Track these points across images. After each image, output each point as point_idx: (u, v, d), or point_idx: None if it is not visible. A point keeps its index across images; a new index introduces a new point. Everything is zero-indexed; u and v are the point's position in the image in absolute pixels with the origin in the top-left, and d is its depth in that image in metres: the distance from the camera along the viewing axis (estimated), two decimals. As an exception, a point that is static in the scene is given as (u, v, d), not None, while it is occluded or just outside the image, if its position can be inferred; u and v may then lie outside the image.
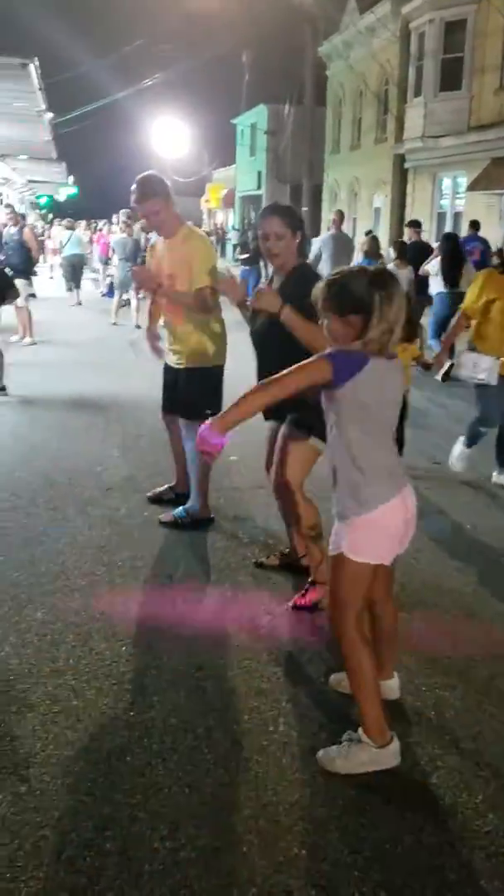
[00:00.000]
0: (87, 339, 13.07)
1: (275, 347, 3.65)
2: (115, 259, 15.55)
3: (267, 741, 2.95)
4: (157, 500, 5.33)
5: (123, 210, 15.38)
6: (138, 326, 13.52)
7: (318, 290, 2.67)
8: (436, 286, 10.65)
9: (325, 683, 3.31)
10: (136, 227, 15.00)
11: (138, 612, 3.92)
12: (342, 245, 12.06)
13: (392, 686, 3.18)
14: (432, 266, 10.75)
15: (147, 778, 2.73)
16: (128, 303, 15.05)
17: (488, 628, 3.85)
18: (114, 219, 16.10)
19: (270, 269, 4.16)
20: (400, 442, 4.69)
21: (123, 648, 3.55)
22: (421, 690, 3.26)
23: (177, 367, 4.94)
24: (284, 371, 2.63)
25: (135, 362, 10.66)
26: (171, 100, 37.19)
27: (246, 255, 15.40)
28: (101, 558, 4.47)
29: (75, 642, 3.59)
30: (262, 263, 13.75)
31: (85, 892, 2.28)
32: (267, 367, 3.65)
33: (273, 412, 3.92)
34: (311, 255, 12.04)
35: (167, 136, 38.43)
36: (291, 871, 2.37)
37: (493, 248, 10.75)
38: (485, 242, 13.42)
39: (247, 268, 15.21)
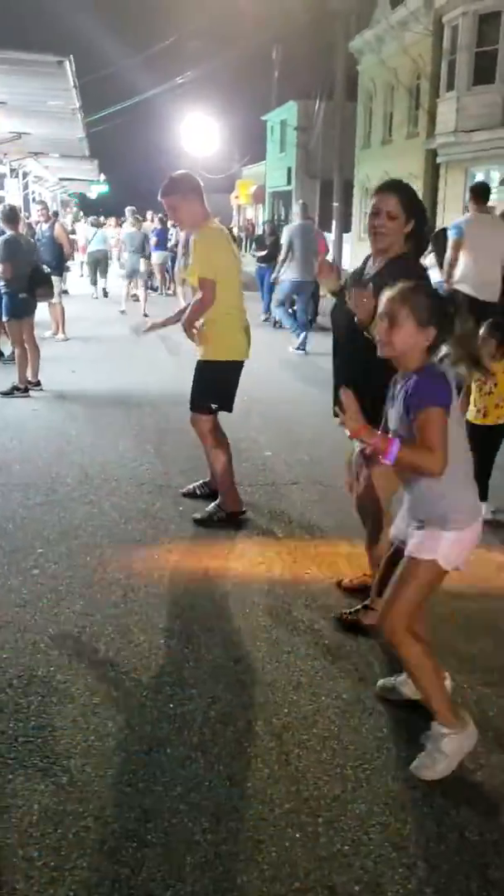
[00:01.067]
0: (117, 334, 13.12)
1: (357, 352, 3.43)
2: (126, 252, 16.67)
3: (307, 736, 2.93)
4: (191, 494, 5.34)
5: (129, 207, 16.93)
6: (146, 315, 14.19)
7: (397, 292, 2.65)
8: (434, 278, 10.69)
9: (364, 678, 3.29)
10: (147, 223, 16.31)
11: (175, 605, 3.92)
12: (307, 234, 12.20)
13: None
14: (429, 260, 10.79)
15: (188, 770, 2.73)
16: (136, 297, 16.14)
17: (529, 625, 3.80)
18: (127, 214, 16.94)
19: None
20: None
21: (161, 641, 3.56)
22: (462, 688, 3.22)
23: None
24: (428, 441, 2.53)
25: (164, 356, 10.71)
26: (202, 97, 37.19)
27: (263, 253, 15.34)
28: (137, 552, 4.48)
29: (114, 634, 3.59)
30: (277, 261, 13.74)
31: (128, 883, 2.28)
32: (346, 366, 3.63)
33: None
34: (284, 245, 12.30)
35: (197, 134, 38.50)
36: (334, 866, 2.36)
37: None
38: None
39: (263, 265, 15.17)
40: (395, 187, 3.58)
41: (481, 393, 4.83)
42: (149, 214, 22.13)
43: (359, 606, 3.73)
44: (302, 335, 11.67)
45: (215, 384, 4.94)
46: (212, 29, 31.32)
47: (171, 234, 18.00)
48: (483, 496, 4.69)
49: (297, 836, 2.47)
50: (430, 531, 2.71)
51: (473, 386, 4.83)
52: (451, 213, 20.70)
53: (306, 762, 2.79)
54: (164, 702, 3.11)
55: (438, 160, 22.10)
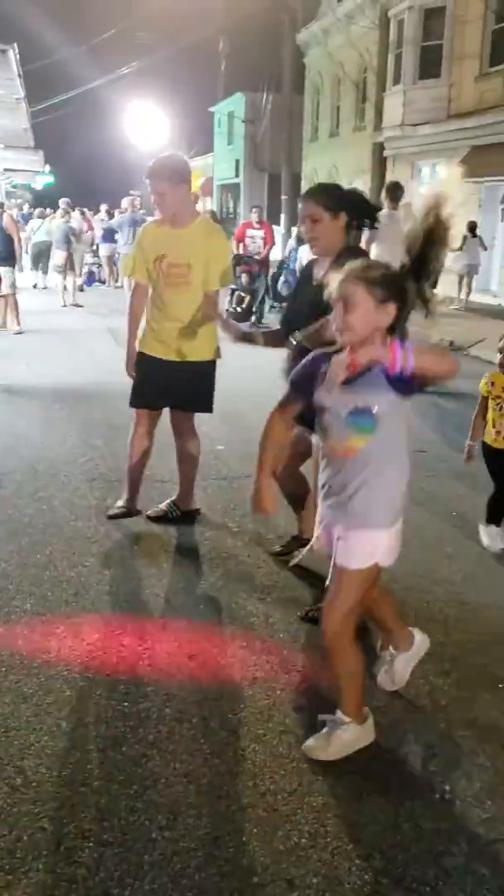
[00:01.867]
0: (69, 328, 12.98)
1: None
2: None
3: (263, 730, 2.94)
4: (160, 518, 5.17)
5: (63, 199, 17.86)
6: (78, 305, 15.69)
7: (348, 271, 2.49)
8: None
9: (319, 671, 3.31)
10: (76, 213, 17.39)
11: (128, 602, 3.89)
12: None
13: (420, 642, 3.22)
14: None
15: (144, 768, 2.72)
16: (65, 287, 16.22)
17: (479, 615, 3.86)
18: (61, 205, 17.34)
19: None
20: None
21: (115, 639, 3.53)
22: (415, 678, 3.25)
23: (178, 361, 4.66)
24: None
25: (114, 350, 10.60)
26: (149, 88, 36.76)
27: None
28: (88, 549, 4.43)
29: (66, 633, 3.55)
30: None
31: (85, 883, 2.26)
32: None
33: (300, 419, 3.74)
34: None
35: (145, 125, 38.13)
36: (292, 859, 2.37)
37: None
38: None
39: None
40: (310, 192, 3.74)
41: (500, 413, 4.52)
42: (102, 207, 21.89)
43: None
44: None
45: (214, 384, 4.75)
46: (158, 19, 31.01)
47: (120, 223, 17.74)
48: (497, 521, 4.68)
49: (255, 830, 2.47)
50: (364, 533, 2.65)
51: (491, 405, 4.55)
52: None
53: (263, 757, 2.80)
54: (118, 700, 3.09)
55: (385, 153, 22.28)
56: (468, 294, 16.58)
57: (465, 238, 15.88)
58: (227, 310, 11.43)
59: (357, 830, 2.48)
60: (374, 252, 7.90)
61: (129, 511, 4.88)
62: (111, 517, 4.84)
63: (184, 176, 4.45)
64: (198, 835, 2.44)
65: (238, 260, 13.08)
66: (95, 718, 2.97)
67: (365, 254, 3.76)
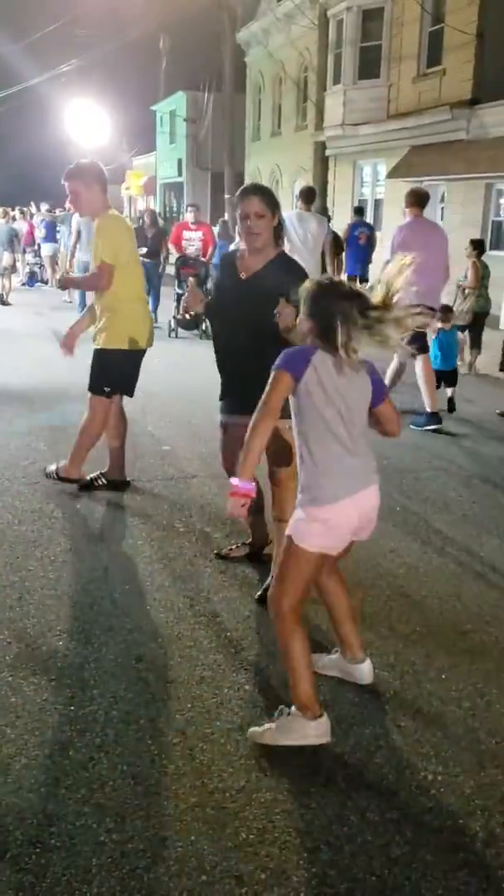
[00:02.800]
0: (8, 328, 12.79)
1: (258, 351, 3.47)
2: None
3: (211, 729, 2.95)
4: (87, 486, 5.35)
5: None
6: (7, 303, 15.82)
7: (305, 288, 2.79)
8: None
9: (267, 668, 3.33)
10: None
11: (74, 605, 3.86)
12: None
13: (364, 670, 3.21)
14: None
15: (91, 772, 2.71)
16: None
17: (422, 608, 3.92)
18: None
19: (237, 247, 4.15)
20: None
21: (60, 643, 3.50)
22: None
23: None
24: (263, 397, 2.76)
25: (56, 352, 10.49)
26: (89, 86, 36.34)
27: (144, 249, 12.81)
28: (32, 553, 4.38)
29: (10, 639, 3.51)
30: (161, 257, 13.23)
31: (32, 890, 2.24)
32: (246, 368, 3.64)
33: (238, 407, 3.77)
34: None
35: (86, 123, 37.73)
36: (240, 856, 2.38)
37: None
38: (370, 227, 15.33)
39: (147, 261, 12.68)
40: (255, 189, 3.83)
41: None
42: (43, 207, 21.64)
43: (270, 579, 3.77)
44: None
45: (113, 370, 5.07)
46: (98, 16, 30.66)
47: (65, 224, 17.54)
48: None
49: (203, 828, 2.48)
50: (299, 508, 2.82)
51: None
52: (341, 206, 21.06)
53: (211, 755, 2.80)
54: (64, 704, 3.07)
55: (327, 153, 22.40)
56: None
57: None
58: (174, 317, 11.22)
59: (304, 824, 2.51)
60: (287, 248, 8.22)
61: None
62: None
63: (97, 175, 4.99)
64: (146, 836, 2.44)
65: (182, 262, 12.34)
66: (41, 724, 2.95)
67: (293, 260, 3.97)
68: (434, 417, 7.22)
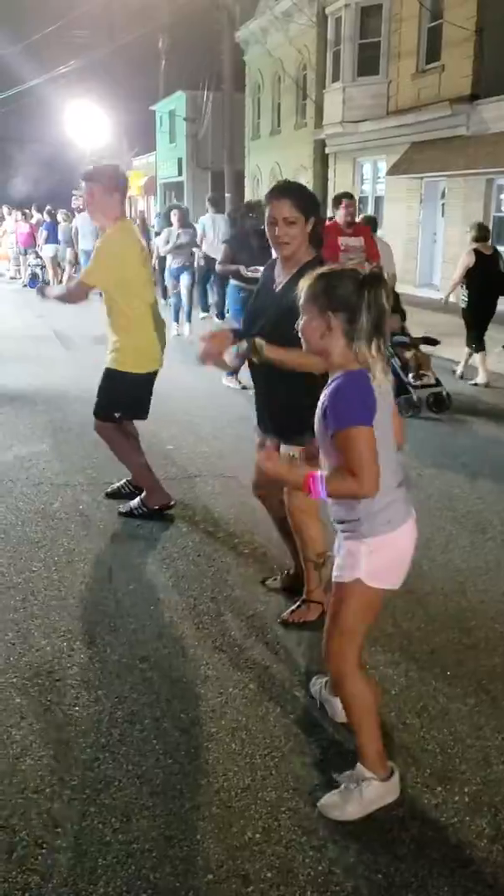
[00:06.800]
0: (10, 330, 12.79)
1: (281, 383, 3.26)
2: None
3: (215, 728, 2.94)
4: (116, 494, 5.19)
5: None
6: None
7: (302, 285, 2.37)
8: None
9: (271, 667, 3.33)
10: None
11: (78, 606, 3.86)
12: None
13: (336, 707, 2.92)
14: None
15: (96, 772, 2.71)
16: None
17: (425, 603, 3.92)
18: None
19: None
20: None
21: (65, 644, 3.50)
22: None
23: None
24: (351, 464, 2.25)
25: (58, 353, 10.52)
26: (89, 87, 36.31)
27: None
28: (36, 554, 4.39)
29: (15, 640, 3.51)
30: (193, 260, 12.87)
31: (39, 891, 2.24)
32: (274, 389, 3.37)
33: (273, 429, 3.52)
34: (198, 236, 12.53)
35: (86, 124, 37.74)
36: (246, 854, 2.38)
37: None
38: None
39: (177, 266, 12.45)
40: (284, 190, 3.36)
41: None
42: (60, 214, 21.70)
43: (298, 603, 3.71)
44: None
45: (124, 395, 4.78)
46: (96, 17, 30.65)
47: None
48: None
49: (209, 828, 2.48)
50: (350, 544, 2.44)
51: None
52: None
53: (216, 754, 2.80)
54: (69, 705, 3.07)
55: (327, 150, 22.39)
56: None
57: None
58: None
59: (310, 822, 2.50)
60: None
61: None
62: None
63: (118, 182, 4.71)
64: (152, 836, 2.44)
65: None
66: (46, 725, 2.95)
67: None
68: None
